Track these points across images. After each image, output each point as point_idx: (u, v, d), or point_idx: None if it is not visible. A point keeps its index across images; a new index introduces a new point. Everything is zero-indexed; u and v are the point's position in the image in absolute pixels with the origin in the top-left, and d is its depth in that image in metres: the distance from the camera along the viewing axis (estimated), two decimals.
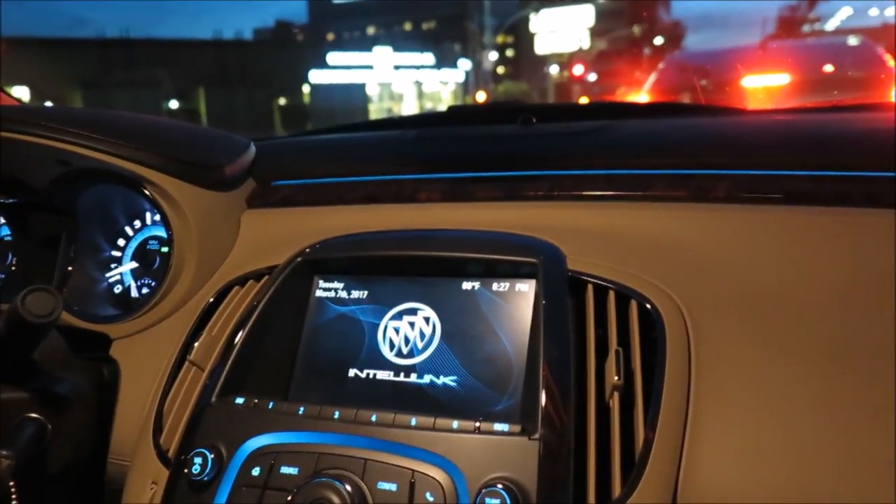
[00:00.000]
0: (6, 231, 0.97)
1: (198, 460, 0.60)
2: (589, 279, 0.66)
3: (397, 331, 0.70)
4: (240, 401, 0.65)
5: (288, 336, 0.71)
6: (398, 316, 0.70)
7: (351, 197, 0.87)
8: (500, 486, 0.53)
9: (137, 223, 0.93)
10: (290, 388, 0.69)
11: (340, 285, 0.74)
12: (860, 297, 0.60)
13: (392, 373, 0.68)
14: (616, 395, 0.58)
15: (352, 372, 0.69)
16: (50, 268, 0.87)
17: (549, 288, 0.64)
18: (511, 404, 0.62)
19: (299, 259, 0.74)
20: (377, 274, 0.73)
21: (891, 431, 0.53)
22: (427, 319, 0.69)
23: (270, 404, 0.64)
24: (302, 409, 0.63)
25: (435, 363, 0.67)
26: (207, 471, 0.60)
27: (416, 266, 0.71)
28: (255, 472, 0.59)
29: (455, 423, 0.58)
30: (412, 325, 0.69)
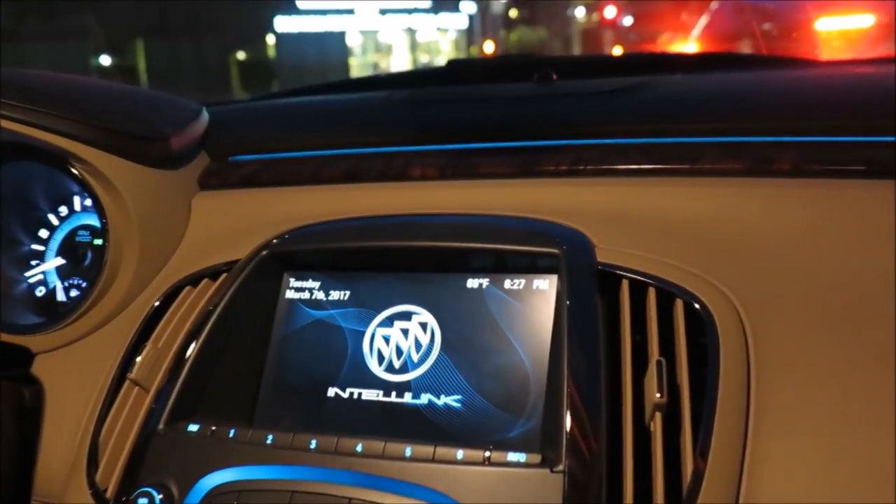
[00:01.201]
0: None
1: (143, 502, 0.61)
2: (623, 273, 0.67)
3: (387, 340, 0.71)
4: (193, 428, 0.66)
5: (252, 347, 0.72)
6: (388, 322, 0.71)
7: (328, 175, 0.88)
8: None
9: (64, 210, 0.93)
10: (256, 411, 0.71)
11: (316, 284, 0.75)
12: None
13: (381, 392, 0.69)
14: (658, 416, 0.59)
15: (331, 391, 0.70)
16: None
17: (575, 285, 0.65)
18: (528, 429, 0.63)
19: (265, 252, 0.75)
20: (361, 270, 0.74)
21: None
22: (424, 326, 0.70)
23: (231, 432, 0.65)
24: (270, 437, 0.64)
25: (434, 379, 0.68)
26: None
27: (410, 260, 0.72)
28: None
29: (460, 453, 0.59)
30: (405, 332, 0.70)
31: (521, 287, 0.69)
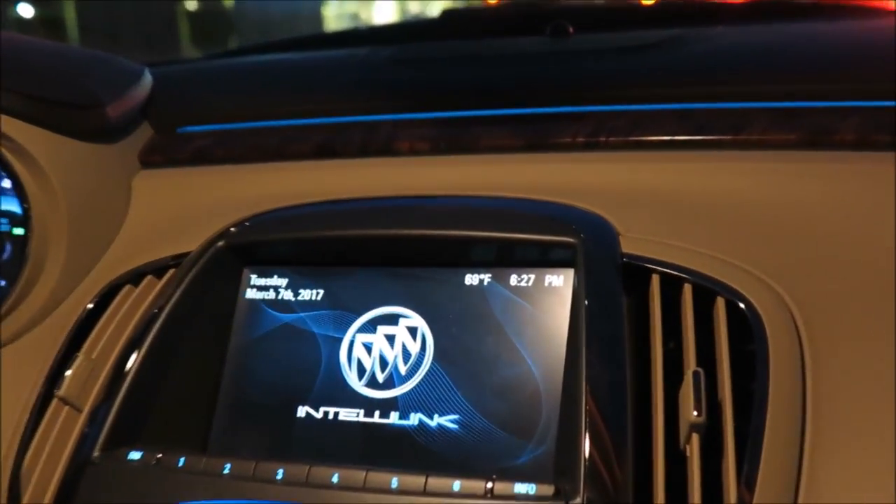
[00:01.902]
0: None
1: None
2: (653, 267, 0.67)
3: (369, 348, 0.71)
4: (135, 456, 0.66)
5: (206, 358, 0.73)
6: (370, 326, 0.72)
7: (296, 149, 0.88)
8: None
9: None
10: (211, 435, 0.71)
11: (283, 282, 0.75)
12: None
13: (362, 411, 0.69)
14: (695, 437, 0.58)
15: (302, 410, 0.70)
16: None
17: (595, 281, 0.65)
18: (540, 455, 0.64)
19: (220, 243, 0.75)
20: (338, 264, 0.74)
21: None
22: (413, 331, 0.71)
23: (181, 461, 0.65)
24: (228, 466, 0.64)
25: (426, 396, 0.68)
26: None
27: (396, 252, 0.73)
28: None
29: (456, 485, 0.59)
30: (391, 339, 0.71)
31: (530, 284, 0.69)
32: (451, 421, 0.67)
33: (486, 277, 0.71)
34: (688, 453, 0.59)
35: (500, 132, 0.83)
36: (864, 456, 0.57)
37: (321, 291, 0.74)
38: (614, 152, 0.79)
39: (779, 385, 0.60)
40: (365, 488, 0.60)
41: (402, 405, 0.69)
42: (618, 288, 0.66)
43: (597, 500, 0.56)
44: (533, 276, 0.69)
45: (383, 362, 0.70)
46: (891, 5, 1.01)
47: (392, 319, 0.71)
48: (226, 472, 0.64)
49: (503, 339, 0.68)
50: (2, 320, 0.83)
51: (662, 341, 0.64)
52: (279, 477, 0.62)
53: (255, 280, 0.76)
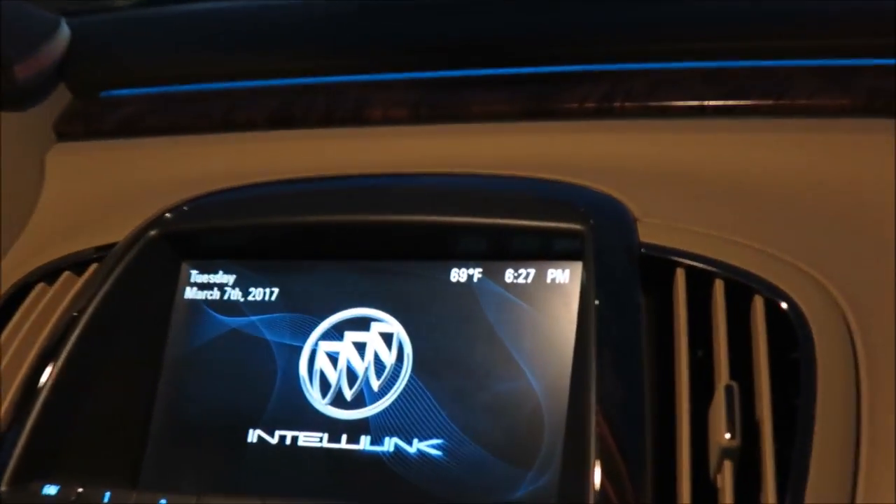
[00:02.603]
0: None
1: None
2: (678, 259, 0.67)
3: (334, 359, 0.71)
4: (51, 490, 0.67)
5: (137, 372, 0.73)
6: (335, 333, 0.72)
7: (245, 117, 0.88)
8: None
9: None
10: (144, 465, 0.71)
11: (229, 279, 0.75)
12: None
13: (326, 435, 0.69)
14: (728, 465, 0.58)
15: (253, 435, 0.71)
16: None
17: (607, 276, 0.65)
18: (541, 487, 0.64)
19: (153, 232, 0.75)
20: (296, 258, 0.74)
21: None
22: (388, 338, 0.71)
23: (106, 496, 0.66)
24: (164, 501, 0.65)
25: (403, 416, 0.69)
26: None
27: (367, 242, 0.73)
28: None
29: None
30: (361, 348, 0.71)
31: (528, 281, 0.70)
32: (435, 447, 0.67)
33: (477, 273, 0.71)
34: (719, 484, 0.58)
35: (494, 96, 0.83)
36: None
37: (276, 290, 0.74)
38: (630, 120, 0.79)
39: (828, 401, 0.59)
40: None
41: (375, 428, 0.69)
42: (634, 285, 0.66)
43: None
44: (532, 271, 0.70)
45: (352, 376, 0.70)
46: None
47: (362, 324, 0.72)
48: None
49: (497, 348, 0.68)
50: None
51: (689, 349, 0.64)
52: None
53: (195, 277, 0.76)
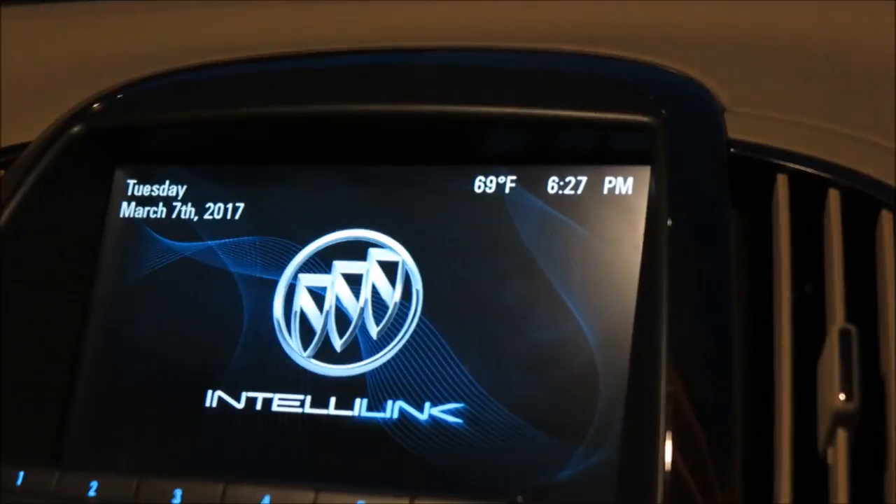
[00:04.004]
0: None
1: None
2: (781, 163, 0.62)
3: (319, 298, 0.67)
4: None
5: (59, 314, 0.70)
6: (320, 263, 0.68)
7: None
8: None
9: None
10: (67, 436, 0.69)
11: (178, 191, 0.71)
12: None
13: (308, 397, 0.65)
14: (842, 434, 0.52)
15: (212, 396, 0.67)
16: None
17: (685, 186, 0.61)
18: (594, 466, 0.60)
19: (77, 129, 0.72)
20: (268, 162, 0.72)
21: None
22: (391, 269, 0.66)
23: (20, 476, 0.62)
24: (95, 485, 0.61)
25: (411, 372, 0.64)
26: None
27: (362, 141, 0.70)
28: None
29: None
30: (355, 283, 0.67)
31: (578, 192, 0.64)
32: (452, 412, 0.62)
33: (509, 181, 0.66)
34: (830, 459, 0.53)
35: None
36: None
37: (241, 206, 0.70)
38: None
39: None
40: None
41: (374, 387, 0.64)
42: (722, 197, 0.60)
43: None
44: (584, 179, 0.64)
45: (343, 320, 0.66)
46: None
47: (357, 251, 0.67)
48: (91, 494, 0.61)
49: (536, 282, 0.64)
50: None
51: (793, 281, 0.58)
52: (176, 502, 0.60)
53: (134, 188, 0.72)
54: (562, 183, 0.65)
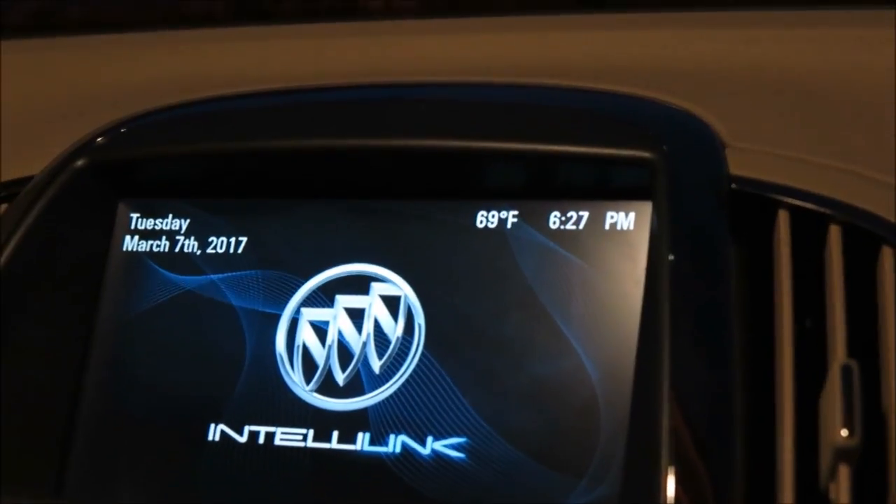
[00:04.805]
0: None
1: None
2: (782, 198, 0.61)
3: (322, 332, 0.67)
4: None
5: (61, 347, 0.70)
6: (322, 297, 0.68)
7: (203, 7, 0.86)
8: None
9: None
10: (69, 470, 0.68)
11: (181, 224, 0.71)
12: None
13: (311, 431, 0.65)
14: (844, 470, 0.52)
15: (215, 430, 0.67)
16: None
17: (686, 221, 0.61)
18: (596, 498, 0.59)
19: (81, 163, 0.71)
20: (270, 196, 0.71)
21: None
22: (393, 304, 0.66)
23: None
24: None
25: (413, 407, 0.64)
26: None
27: (365, 175, 0.70)
28: None
29: None
30: (357, 317, 0.67)
31: (580, 227, 0.64)
32: (454, 447, 0.62)
33: (511, 216, 0.66)
34: (832, 495, 0.53)
35: None
36: None
37: (244, 240, 0.70)
38: (715, 10, 0.76)
39: None
40: None
41: (376, 422, 0.64)
42: (722, 232, 0.60)
43: None
44: (585, 215, 0.64)
45: (345, 354, 0.66)
46: None
47: (359, 285, 0.67)
48: None
49: (538, 316, 0.63)
50: None
51: (794, 316, 0.58)
52: None
53: (137, 222, 0.72)
54: (563, 218, 0.65)
